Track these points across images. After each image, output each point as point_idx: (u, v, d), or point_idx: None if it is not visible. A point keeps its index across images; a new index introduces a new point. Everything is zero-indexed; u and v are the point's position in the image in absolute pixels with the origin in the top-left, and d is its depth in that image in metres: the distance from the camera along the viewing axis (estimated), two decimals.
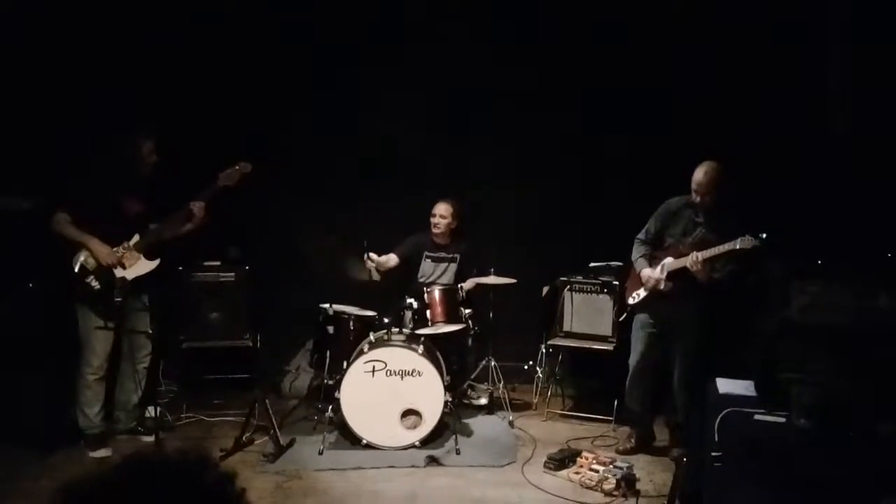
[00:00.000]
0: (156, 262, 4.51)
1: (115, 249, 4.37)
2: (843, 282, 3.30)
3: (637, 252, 4.62)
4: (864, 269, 3.68)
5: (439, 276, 5.47)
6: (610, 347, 5.22)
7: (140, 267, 4.45)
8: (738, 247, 4.04)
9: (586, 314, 5.38)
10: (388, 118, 5.88)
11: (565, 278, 5.46)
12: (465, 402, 5.45)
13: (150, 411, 4.72)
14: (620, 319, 4.95)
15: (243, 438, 4.57)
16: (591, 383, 5.52)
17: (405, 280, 5.49)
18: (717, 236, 4.21)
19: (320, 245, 4.80)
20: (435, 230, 5.44)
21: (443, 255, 5.50)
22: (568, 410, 5.45)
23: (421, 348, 4.67)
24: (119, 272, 4.38)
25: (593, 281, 5.39)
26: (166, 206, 4.49)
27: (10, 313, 4.72)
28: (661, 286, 4.44)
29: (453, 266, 5.51)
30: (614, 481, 4.04)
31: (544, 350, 5.58)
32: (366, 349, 4.70)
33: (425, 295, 4.94)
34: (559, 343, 5.45)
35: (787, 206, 4.84)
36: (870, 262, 4.27)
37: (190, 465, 1.05)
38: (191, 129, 5.29)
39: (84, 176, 4.53)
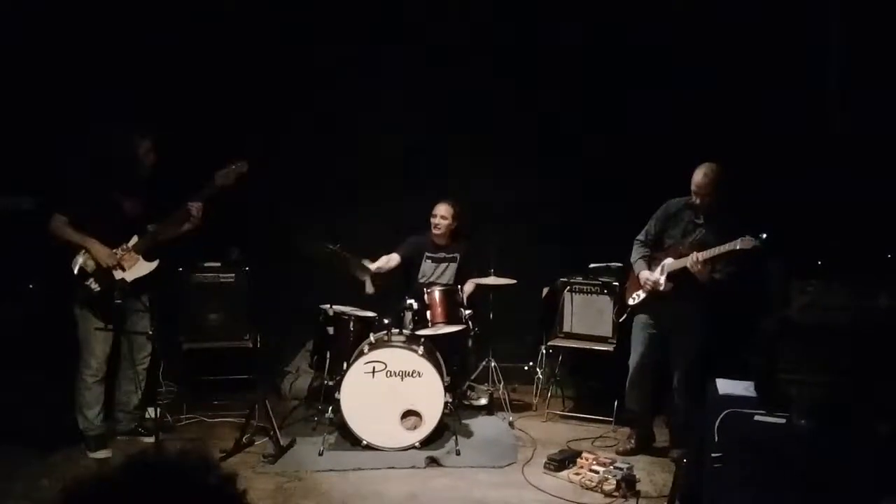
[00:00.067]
0: (155, 263, 4.50)
1: (114, 251, 4.35)
2: (843, 282, 3.30)
3: (636, 254, 4.62)
4: (864, 269, 3.68)
5: (439, 277, 5.47)
6: (610, 348, 5.22)
7: (139, 268, 4.44)
8: (738, 247, 4.04)
9: (586, 315, 5.38)
10: (388, 118, 5.89)
11: (565, 279, 5.46)
12: (466, 402, 5.45)
13: (151, 412, 4.72)
14: (620, 320, 4.95)
15: (243, 439, 4.57)
16: (591, 384, 5.52)
17: (405, 281, 5.49)
18: (717, 237, 4.21)
19: (320, 246, 4.78)
20: (435, 231, 5.43)
21: (443, 255, 5.50)
22: (568, 411, 5.44)
23: (421, 349, 4.67)
24: (118, 274, 4.36)
25: (593, 282, 5.39)
26: (165, 207, 4.48)
27: (10, 313, 4.73)
28: (661, 287, 4.44)
29: (453, 266, 5.51)
30: (614, 482, 4.04)
31: (544, 351, 5.58)
32: (366, 350, 4.70)
33: (425, 296, 4.94)
34: (559, 344, 5.45)
35: (787, 206, 4.84)
36: (870, 262, 4.28)
37: (190, 466, 1.05)
38: (190, 130, 5.29)
39: (82, 177, 4.50)
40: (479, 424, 5.12)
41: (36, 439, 4.37)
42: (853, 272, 3.45)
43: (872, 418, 3.03)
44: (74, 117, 5.07)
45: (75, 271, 4.30)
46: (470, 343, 5.26)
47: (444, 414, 4.65)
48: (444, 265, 5.51)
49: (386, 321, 4.91)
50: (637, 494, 4.00)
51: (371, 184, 6.02)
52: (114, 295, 4.28)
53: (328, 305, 4.97)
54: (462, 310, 4.99)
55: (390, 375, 4.61)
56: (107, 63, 5.39)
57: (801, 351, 3.21)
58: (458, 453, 4.51)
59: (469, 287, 5.37)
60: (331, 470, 4.32)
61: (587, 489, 4.08)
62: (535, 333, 5.74)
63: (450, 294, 5.02)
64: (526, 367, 5.81)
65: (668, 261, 4.42)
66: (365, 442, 4.59)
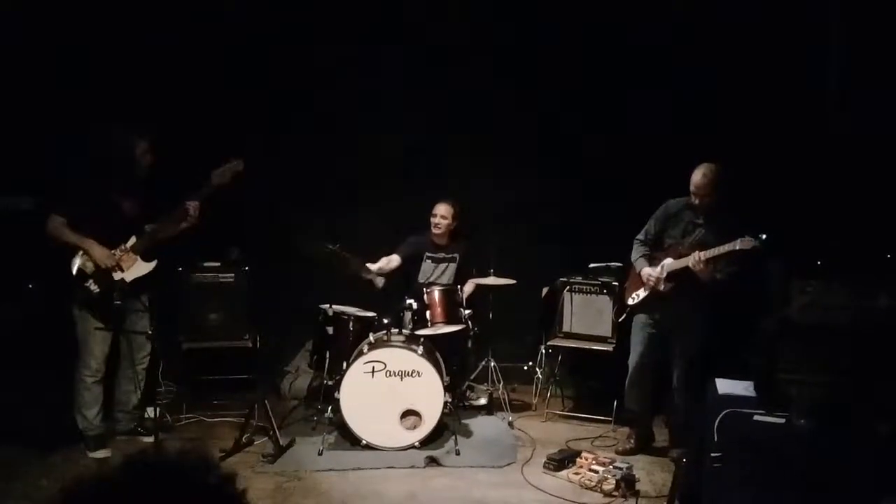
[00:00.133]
0: (153, 263, 4.49)
1: (112, 252, 4.33)
2: (842, 282, 3.30)
3: (637, 252, 4.62)
4: (864, 269, 3.68)
5: (439, 277, 5.46)
6: (609, 348, 5.22)
7: (138, 269, 4.43)
8: (737, 247, 4.04)
9: (586, 315, 5.38)
10: (388, 118, 5.89)
11: (565, 279, 5.46)
12: (465, 402, 5.45)
13: (150, 412, 4.72)
14: (620, 320, 4.95)
15: (243, 439, 4.57)
16: (590, 384, 5.52)
17: (405, 281, 5.49)
18: (717, 238, 4.21)
19: (320, 246, 4.79)
20: (435, 231, 5.43)
21: (442, 255, 5.49)
22: (567, 411, 5.44)
23: (420, 349, 4.67)
24: (118, 274, 4.35)
25: (593, 282, 5.39)
26: (162, 207, 4.46)
27: (10, 313, 4.73)
28: (661, 287, 4.44)
29: (453, 266, 5.50)
30: (614, 482, 4.04)
31: (544, 351, 5.58)
32: (365, 350, 4.70)
33: (425, 295, 4.94)
34: (559, 344, 5.45)
35: (787, 206, 4.84)
36: (870, 262, 4.28)
37: (190, 466, 1.05)
38: (190, 129, 5.29)
39: (80, 177, 4.48)
40: (478, 424, 5.12)
41: (36, 439, 4.37)
42: (853, 272, 3.45)
43: (872, 418, 3.03)
44: (73, 117, 5.07)
45: (74, 272, 4.28)
46: (469, 343, 5.26)
47: (443, 414, 4.65)
48: (443, 265, 5.50)
49: (385, 321, 4.90)
50: (636, 494, 4.00)
51: (371, 184, 6.02)
52: (113, 296, 4.27)
53: (328, 305, 4.97)
54: (462, 310, 4.99)
55: (390, 375, 4.61)
56: (107, 63, 5.39)
57: (801, 351, 3.21)
58: (457, 453, 4.51)
59: (469, 287, 5.37)
60: (330, 469, 4.32)
61: (586, 489, 4.08)
62: (535, 333, 5.74)
63: (449, 294, 5.02)
64: (525, 367, 5.81)
65: (668, 261, 4.42)
66: (364, 441, 4.59)
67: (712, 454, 3.21)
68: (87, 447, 4.43)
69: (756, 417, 3.19)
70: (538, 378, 5.62)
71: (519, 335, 5.99)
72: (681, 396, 4.48)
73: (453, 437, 4.61)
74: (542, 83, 5.90)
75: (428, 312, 4.87)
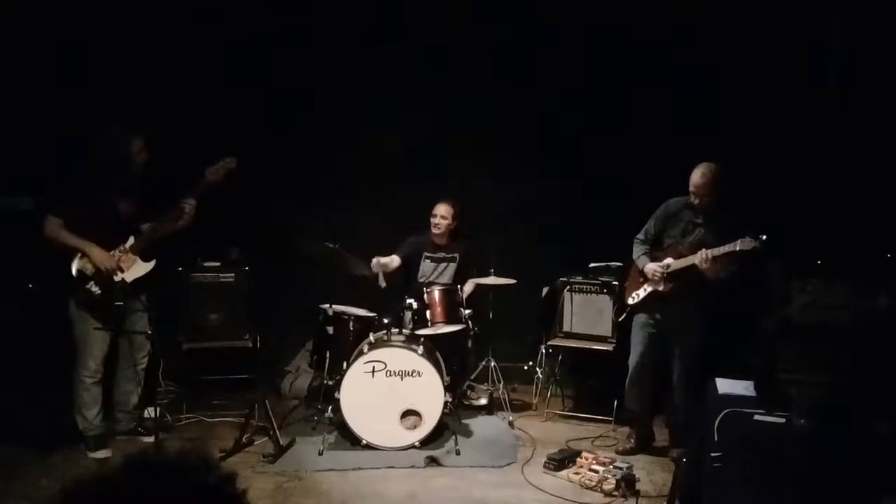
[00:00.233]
0: (152, 263, 4.48)
1: (112, 253, 4.32)
2: (843, 281, 3.30)
3: (638, 251, 4.63)
4: (864, 269, 3.68)
5: (439, 277, 5.47)
6: (609, 348, 5.22)
7: (137, 269, 4.43)
8: (737, 248, 4.04)
9: (586, 315, 5.38)
10: (388, 118, 5.89)
11: (565, 279, 5.46)
12: (465, 402, 5.45)
13: (150, 412, 4.71)
14: (620, 320, 4.95)
15: (243, 439, 4.57)
16: (590, 384, 5.52)
17: (405, 280, 5.49)
18: (717, 237, 4.21)
19: (320, 245, 4.79)
20: (435, 231, 5.43)
21: (442, 255, 5.50)
22: (568, 411, 5.44)
23: (421, 349, 4.67)
24: (118, 275, 4.34)
25: (593, 281, 5.39)
26: (159, 206, 4.45)
27: (10, 313, 4.73)
28: (662, 286, 4.44)
29: (453, 266, 5.50)
30: (614, 481, 4.04)
31: (544, 350, 5.58)
32: (366, 350, 4.70)
33: (425, 295, 4.94)
34: (559, 343, 5.45)
35: (787, 205, 4.84)
36: (870, 262, 4.28)
37: (190, 466, 1.05)
38: (190, 130, 5.29)
39: (80, 177, 4.43)
40: (478, 424, 5.12)
41: (36, 439, 4.37)
42: (853, 272, 3.45)
43: (872, 418, 3.03)
44: (73, 117, 5.07)
45: (73, 273, 4.27)
46: (470, 343, 5.26)
47: (443, 413, 4.65)
48: (443, 265, 5.51)
49: (386, 321, 4.91)
50: (637, 494, 4.00)
51: (371, 184, 6.02)
52: (114, 296, 4.27)
53: (328, 305, 4.97)
54: (462, 309, 4.99)
55: (390, 375, 4.61)
56: (106, 63, 5.39)
57: (801, 350, 3.21)
58: (457, 453, 4.51)
59: (469, 287, 5.38)
60: (330, 469, 4.32)
61: (587, 489, 4.08)
62: (535, 333, 5.74)
63: (449, 294, 5.02)
64: (526, 367, 5.81)
65: (669, 260, 4.42)
66: (364, 441, 4.59)
67: (712, 454, 3.21)
68: (88, 447, 4.43)
69: (756, 417, 3.20)
70: (538, 378, 5.63)
71: (519, 335, 5.99)
72: (681, 396, 4.49)
73: (453, 437, 4.61)
74: (542, 83, 5.90)
75: (428, 312, 4.87)
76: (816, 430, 3.06)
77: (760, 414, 3.20)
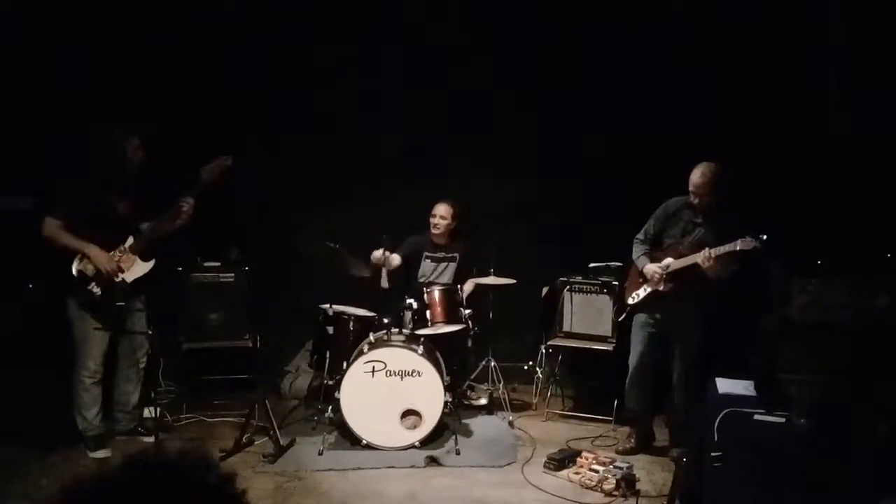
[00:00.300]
0: (152, 263, 4.47)
1: (112, 254, 4.31)
2: (843, 281, 3.30)
3: (637, 251, 4.63)
4: (865, 269, 3.68)
5: (439, 276, 5.47)
6: (609, 348, 5.22)
7: (137, 269, 4.42)
8: (738, 248, 4.04)
9: (586, 314, 5.38)
10: (388, 118, 5.89)
11: (565, 278, 5.46)
12: (465, 402, 5.45)
13: (150, 412, 4.71)
14: (620, 319, 4.94)
15: (243, 439, 4.57)
16: (590, 383, 5.52)
17: (405, 280, 5.49)
18: (717, 237, 4.21)
19: (320, 245, 4.79)
20: (434, 231, 5.43)
21: (442, 255, 5.50)
22: (568, 411, 5.44)
23: (421, 348, 4.67)
24: (118, 276, 4.34)
25: (593, 281, 5.39)
26: (156, 205, 4.44)
27: (10, 313, 4.73)
28: (662, 286, 4.44)
29: (453, 266, 5.50)
30: (614, 481, 4.04)
31: (544, 350, 5.57)
32: (366, 349, 4.70)
33: (425, 295, 4.94)
34: (559, 343, 5.45)
35: (788, 205, 4.84)
36: (870, 262, 4.28)
37: (190, 466, 1.05)
38: (190, 130, 5.29)
39: (77, 177, 4.41)
40: (478, 424, 5.12)
41: (36, 439, 4.37)
42: (853, 271, 3.45)
43: (872, 418, 3.03)
44: (73, 117, 5.07)
45: (74, 274, 4.26)
46: (470, 343, 5.26)
47: (443, 413, 4.65)
48: (443, 265, 5.51)
49: (385, 321, 4.90)
50: (637, 494, 4.00)
51: (371, 184, 6.02)
52: (115, 297, 4.27)
53: (328, 305, 4.97)
54: (462, 309, 4.99)
55: (390, 375, 4.61)
56: (107, 63, 5.39)
57: (802, 350, 3.21)
58: (457, 453, 4.51)
59: (469, 286, 5.38)
60: (330, 469, 4.32)
61: (587, 488, 4.08)
62: (535, 333, 5.74)
63: (449, 293, 5.02)
64: (526, 367, 5.81)
65: (669, 260, 4.42)
66: (365, 441, 4.59)
67: (712, 454, 3.21)
68: (87, 447, 4.42)
69: (756, 417, 3.19)
70: (538, 378, 5.62)
71: (519, 335, 5.99)
72: (681, 396, 4.48)
73: (453, 437, 4.61)
74: (542, 83, 5.90)
75: (428, 312, 4.87)
76: (816, 430, 3.06)
77: (760, 414, 3.20)
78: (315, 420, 4.88)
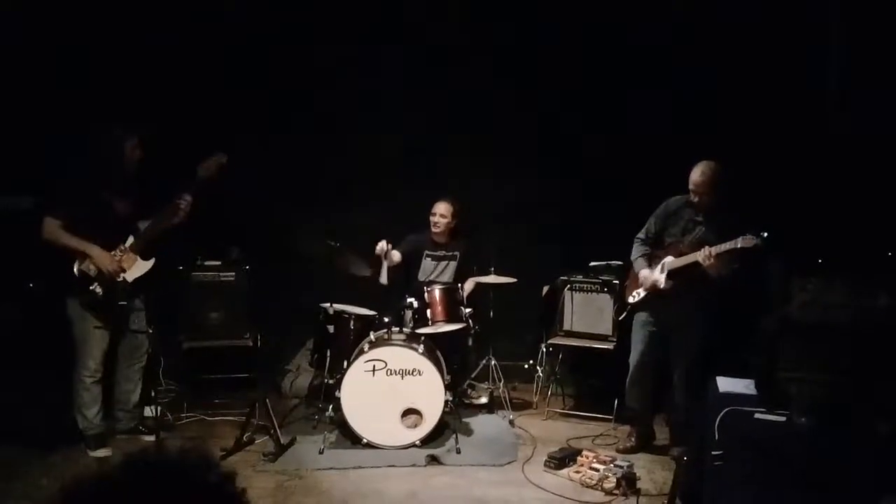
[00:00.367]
0: (152, 261, 4.47)
1: (112, 253, 4.31)
2: (843, 280, 3.30)
3: (637, 252, 4.63)
4: (865, 268, 3.68)
5: (439, 275, 5.47)
6: (610, 346, 5.22)
7: (138, 268, 4.42)
8: (738, 245, 4.04)
9: (586, 313, 5.39)
10: (387, 118, 5.89)
11: (565, 277, 5.46)
12: (466, 401, 5.45)
13: (150, 410, 4.71)
14: (620, 318, 4.94)
15: (244, 438, 4.57)
16: (591, 382, 5.52)
17: (405, 279, 5.49)
18: (717, 235, 4.20)
19: (321, 245, 4.79)
20: (434, 229, 5.44)
21: (442, 253, 5.50)
22: (568, 409, 5.45)
23: (421, 347, 4.67)
24: (120, 276, 4.34)
25: (593, 280, 5.39)
26: (156, 205, 4.44)
27: (10, 313, 4.73)
28: (661, 285, 4.44)
29: (453, 264, 5.51)
30: (615, 480, 4.04)
31: (544, 349, 5.57)
32: (366, 348, 4.70)
33: (425, 294, 4.94)
34: (559, 342, 5.45)
35: (788, 205, 4.84)
36: (870, 262, 4.28)
37: (191, 465, 1.05)
38: (190, 130, 5.29)
39: (77, 177, 4.40)
40: (479, 423, 5.12)
41: (36, 439, 4.37)
42: (853, 271, 3.45)
43: (872, 418, 3.03)
44: (73, 117, 5.07)
45: (76, 275, 4.26)
46: (470, 341, 5.26)
47: (444, 412, 4.65)
48: (443, 263, 5.51)
49: (386, 319, 4.91)
50: (637, 492, 4.00)
51: (371, 184, 6.02)
52: (117, 296, 4.27)
53: (328, 304, 4.97)
54: (462, 308, 4.99)
55: (391, 374, 4.62)
56: (107, 63, 5.39)
57: (802, 349, 3.21)
58: (458, 451, 4.52)
59: (469, 285, 5.38)
60: (331, 468, 4.32)
61: (587, 487, 4.08)
62: (536, 332, 5.74)
63: (450, 292, 5.02)
64: (526, 366, 5.81)
65: (669, 259, 4.42)
66: (365, 440, 4.59)
67: (713, 452, 3.21)
68: (88, 446, 4.42)
69: (756, 416, 3.20)
70: (539, 376, 5.62)
71: (519, 333, 5.99)
72: (681, 395, 4.49)
73: (454, 436, 4.61)
74: (542, 83, 5.90)
75: (428, 311, 4.87)
76: (816, 429, 3.06)
77: (761, 412, 3.20)
78: (316, 419, 4.88)
